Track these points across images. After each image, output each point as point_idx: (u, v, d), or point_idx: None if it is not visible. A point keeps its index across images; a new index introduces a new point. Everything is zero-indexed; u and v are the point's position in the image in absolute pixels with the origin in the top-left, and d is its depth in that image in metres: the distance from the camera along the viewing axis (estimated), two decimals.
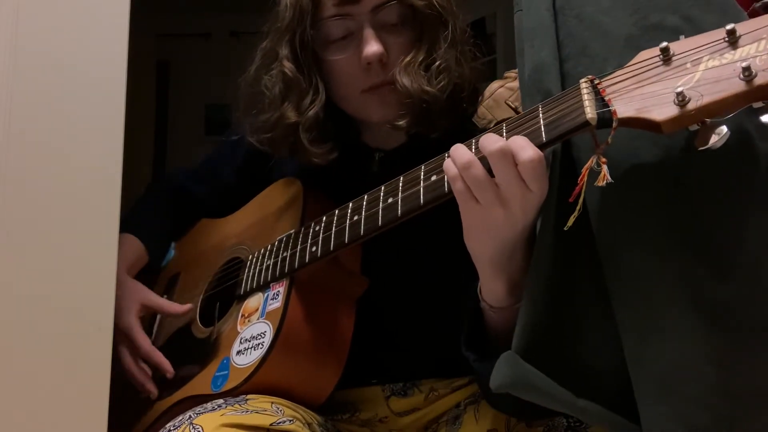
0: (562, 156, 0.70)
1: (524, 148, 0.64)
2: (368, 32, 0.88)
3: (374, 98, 0.91)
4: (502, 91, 0.95)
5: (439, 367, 0.96)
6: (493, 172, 0.66)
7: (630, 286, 0.66)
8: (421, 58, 0.89)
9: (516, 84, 0.94)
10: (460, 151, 0.68)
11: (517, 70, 0.95)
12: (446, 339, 0.94)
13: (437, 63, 0.89)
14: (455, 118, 0.93)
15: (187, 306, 1.02)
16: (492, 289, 0.74)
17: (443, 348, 0.95)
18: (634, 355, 0.65)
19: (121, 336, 0.98)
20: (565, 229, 0.64)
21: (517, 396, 0.68)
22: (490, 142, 0.65)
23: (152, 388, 0.97)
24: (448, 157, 0.70)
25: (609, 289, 0.67)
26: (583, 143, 0.69)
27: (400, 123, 0.90)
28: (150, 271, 1.14)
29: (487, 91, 0.96)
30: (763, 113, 0.56)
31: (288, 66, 0.92)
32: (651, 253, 0.65)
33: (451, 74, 0.90)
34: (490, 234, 0.69)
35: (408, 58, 0.89)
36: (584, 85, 0.64)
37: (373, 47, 0.87)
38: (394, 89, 0.88)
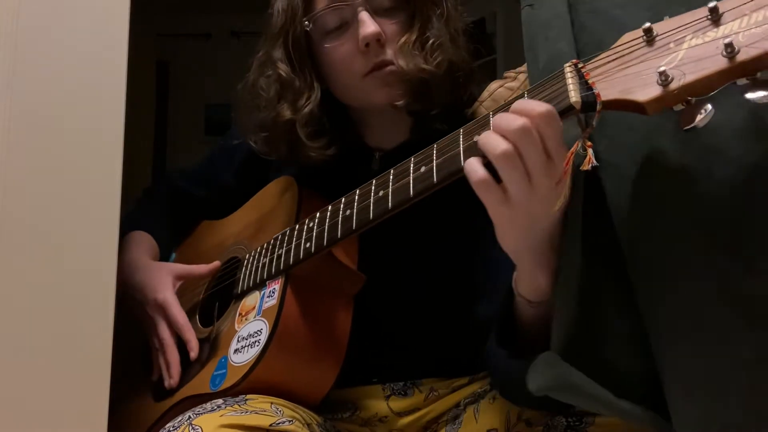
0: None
1: (536, 104, 0.62)
2: (364, 15, 0.89)
3: (375, 81, 0.92)
4: (501, 91, 0.95)
5: (439, 366, 0.96)
6: (519, 150, 0.62)
7: (656, 284, 0.65)
8: (414, 38, 0.90)
9: (515, 84, 0.94)
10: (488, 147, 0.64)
11: (516, 70, 0.96)
12: (446, 338, 0.94)
13: (431, 41, 0.91)
14: (458, 98, 0.94)
15: (214, 263, 1.03)
16: (532, 283, 0.72)
17: (443, 348, 0.95)
18: (663, 354, 0.64)
19: (157, 309, 0.98)
20: (555, 209, 0.63)
21: (556, 398, 0.66)
22: (509, 120, 0.62)
23: (176, 374, 0.95)
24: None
25: (635, 287, 0.66)
26: (603, 134, 0.68)
27: (400, 102, 0.91)
28: None
29: (487, 91, 0.96)
30: (748, 90, 0.55)
31: (282, 67, 0.95)
32: (678, 250, 0.64)
33: (446, 51, 0.91)
34: (523, 225, 0.67)
35: (402, 39, 0.90)
36: (568, 69, 0.64)
37: (369, 28, 0.89)
38: (394, 70, 0.90)
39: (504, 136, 0.63)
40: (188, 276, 1.04)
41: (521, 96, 0.67)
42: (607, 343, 0.69)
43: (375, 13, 0.90)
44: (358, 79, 0.92)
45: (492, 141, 0.63)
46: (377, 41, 0.89)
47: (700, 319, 0.63)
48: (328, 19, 0.92)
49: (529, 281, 0.72)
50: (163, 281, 1.00)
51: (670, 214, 0.64)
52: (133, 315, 1.02)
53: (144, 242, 1.11)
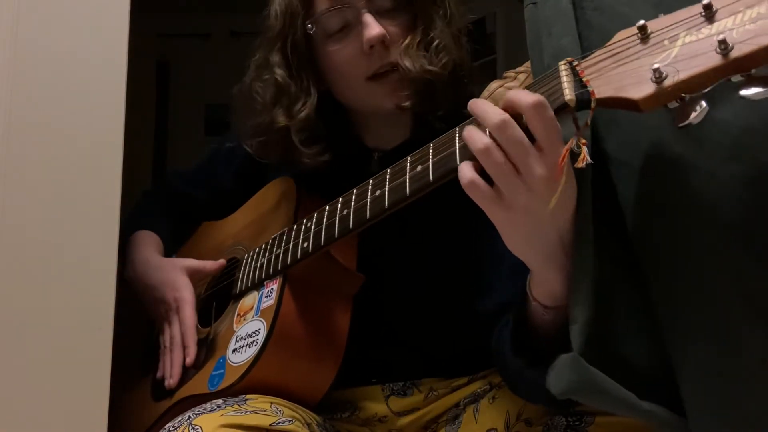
0: (592, 150, 0.67)
1: (525, 95, 0.61)
2: (367, 17, 0.89)
3: (383, 87, 0.91)
4: (501, 91, 0.95)
5: (438, 366, 0.96)
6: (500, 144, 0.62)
7: (670, 282, 0.64)
8: (419, 39, 0.90)
9: (515, 84, 0.94)
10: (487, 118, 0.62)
11: (516, 70, 0.96)
12: (446, 338, 0.94)
13: (435, 42, 0.90)
14: (459, 98, 0.93)
15: (220, 261, 1.03)
16: (546, 287, 0.70)
17: (443, 347, 0.95)
18: (678, 352, 0.64)
19: (173, 308, 0.98)
20: (550, 207, 0.62)
21: (579, 400, 0.65)
22: (490, 114, 0.62)
23: (176, 374, 0.94)
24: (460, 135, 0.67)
25: (648, 285, 0.65)
26: (615, 133, 0.68)
27: (406, 104, 0.91)
28: None
29: (487, 91, 0.96)
30: (743, 87, 0.55)
31: (279, 72, 0.94)
32: (691, 247, 0.63)
33: (450, 51, 0.91)
34: (526, 227, 0.65)
35: (407, 41, 0.90)
36: (563, 66, 0.64)
37: (375, 30, 0.88)
38: (400, 74, 0.90)
39: (487, 130, 0.62)
40: (196, 271, 1.03)
41: None
42: (623, 343, 0.68)
43: (377, 14, 0.90)
44: (362, 82, 0.92)
45: (473, 135, 0.64)
46: (382, 43, 0.89)
47: (713, 316, 0.62)
48: (331, 21, 0.91)
49: (543, 285, 0.70)
50: (181, 279, 1.00)
51: (684, 212, 0.64)
52: (147, 313, 1.03)
53: (152, 241, 1.10)
